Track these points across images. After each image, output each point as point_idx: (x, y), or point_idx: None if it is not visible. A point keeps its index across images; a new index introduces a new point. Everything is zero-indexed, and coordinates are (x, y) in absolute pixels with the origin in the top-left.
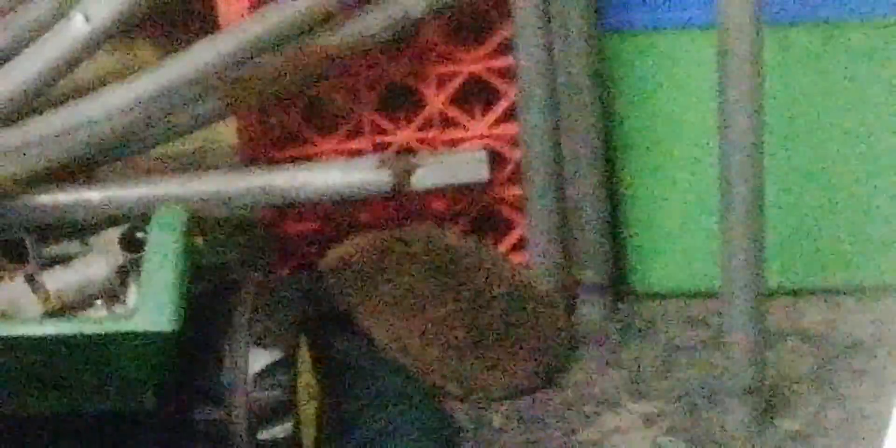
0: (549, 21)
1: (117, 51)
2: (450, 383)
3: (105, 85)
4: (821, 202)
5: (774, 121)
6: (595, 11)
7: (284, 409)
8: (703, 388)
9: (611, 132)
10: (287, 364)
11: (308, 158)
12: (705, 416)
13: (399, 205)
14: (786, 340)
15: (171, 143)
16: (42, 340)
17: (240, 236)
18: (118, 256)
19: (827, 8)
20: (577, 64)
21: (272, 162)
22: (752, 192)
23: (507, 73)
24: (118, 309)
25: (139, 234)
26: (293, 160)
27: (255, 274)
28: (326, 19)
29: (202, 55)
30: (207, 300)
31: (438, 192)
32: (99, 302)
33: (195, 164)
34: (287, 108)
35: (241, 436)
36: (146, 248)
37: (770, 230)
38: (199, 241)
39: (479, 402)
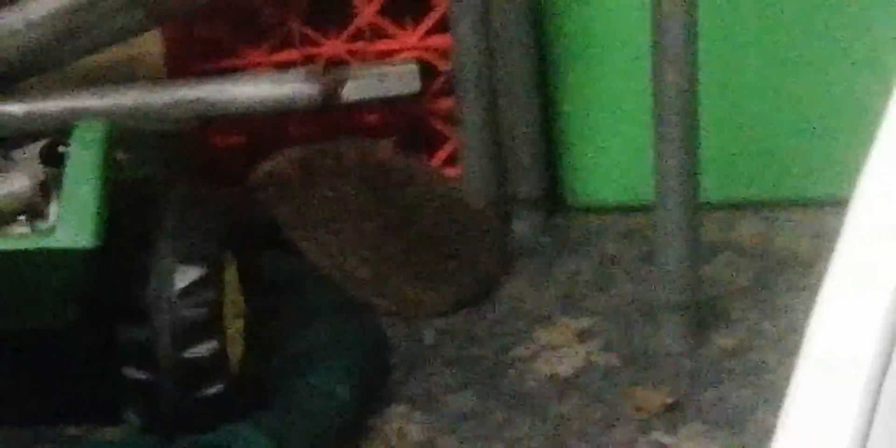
0: None
1: None
2: (381, 299)
3: None
4: (757, 114)
5: (709, 30)
6: None
7: (209, 326)
8: (638, 303)
9: (544, 44)
10: (212, 281)
11: (236, 70)
12: (640, 331)
13: (329, 117)
14: (721, 254)
15: (99, 54)
16: None
17: (165, 149)
18: (39, 171)
19: None
20: None
21: (200, 74)
22: (685, 103)
23: None
24: (41, 224)
25: (60, 149)
26: (221, 72)
27: (181, 188)
28: None
29: None
30: (131, 215)
31: (370, 105)
32: (21, 217)
33: (125, 74)
34: (214, 19)
35: (165, 353)
36: (66, 164)
37: (705, 143)
38: (122, 155)
39: (411, 318)
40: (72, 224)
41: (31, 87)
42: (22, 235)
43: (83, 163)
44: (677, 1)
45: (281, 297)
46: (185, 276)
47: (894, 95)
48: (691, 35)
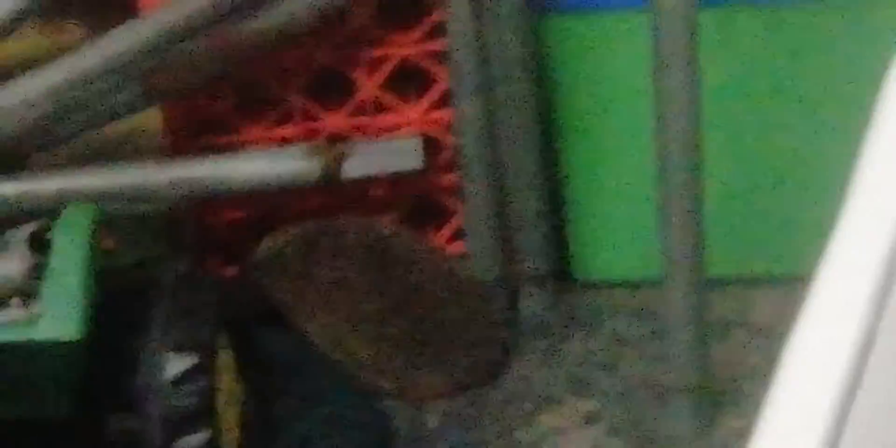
0: (481, 4)
1: (47, 33)
2: (384, 381)
3: (33, 68)
4: (770, 189)
5: (714, 107)
6: None
7: (201, 416)
8: (647, 384)
9: (548, 118)
10: (204, 369)
11: (236, 146)
12: (649, 414)
13: (332, 192)
14: (734, 332)
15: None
16: None
17: (161, 231)
18: (30, 255)
19: None
20: (511, 48)
21: (200, 149)
22: (690, 179)
23: (442, 57)
24: (34, 308)
25: (48, 235)
26: (221, 147)
27: (173, 273)
28: (252, 4)
29: (119, 43)
30: (121, 302)
31: (374, 180)
32: (14, 300)
33: (123, 149)
34: (214, 94)
35: (156, 444)
36: (51, 251)
37: (719, 217)
38: (111, 241)
39: (415, 401)
40: (56, 315)
41: (25, 167)
42: (5, 325)
43: (68, 250)
44: (679, 74)
45: (279, 380)
46: (177, 364)
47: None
48: (694, 108)
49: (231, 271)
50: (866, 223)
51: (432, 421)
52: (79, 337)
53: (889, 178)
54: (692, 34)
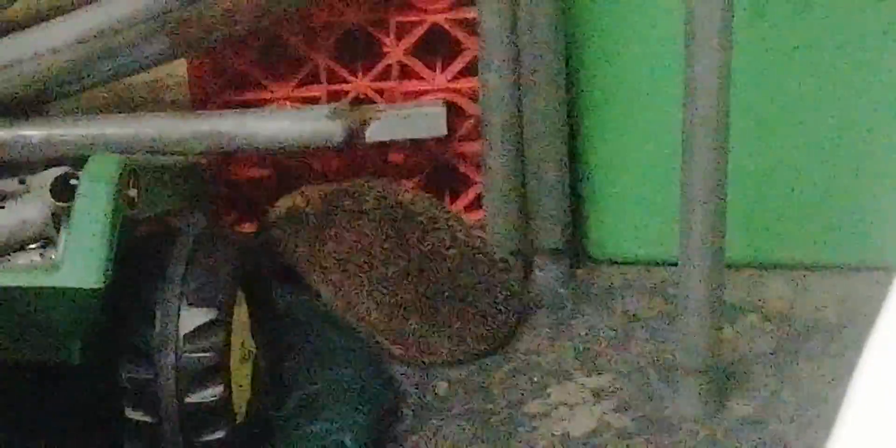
0: None
1: None
2: (395, 345)
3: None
4: (790, 176)
5: (742, 89)
6: None
7: (215, 371)
8: (656, 363)
9: (573, 93)
10: (220, 324)
11: (261, 103)
12: (657, 393)
13: (353, 155)
14: (745, 317)
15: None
16: None
17: (183, 184)
18: (52, 202)
19: None
20: (542, 20)
21: (224, 104)
22: (715, 160)
23: (472, 26)
24: (51, 253)
25: (73, 181)
26: (245, 104)
27: (194, 227)
28: None
29: None
30: (142, 253)
31: (395, 145)
32: (33, 246)
33: (148, 98)
34: (241, 51)
35: (168, 397)
36: (76, 199)
37: (737, 201)
38: (135, 191)
39: (425, 367)
40: (78, 263)
41: (51, 112)
42: (28, 269)
43: (93, 199)
44: (712, 59)
45: (294, 339)
46: (193, 318)
47: None
48: (724, 89)
49: (248, 228)
50: None
51: (441, 388)
52: (99, 285)
53: None
54: (726, 15)
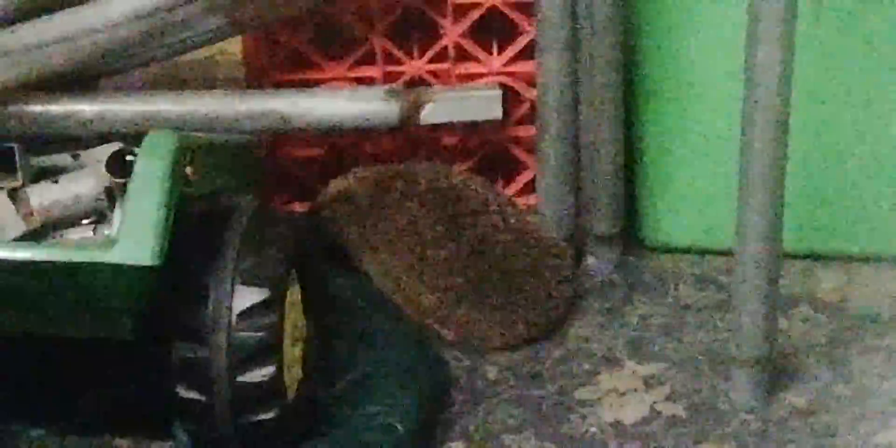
0: None
1: None
2: (445, 329)
3: None
4: (847, 165)
5: (804, 79)
6: None
7: (268, 351)
8: (709, 353)
9: (631, 78)
10: (274, 304)
11: (315, 83)
12: (708, 383)
13: (407, 137)
14: (798, 308)
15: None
16: (15, 264)
17: (237, 162)
18: (106, 177)
19: None
20: (600, 5)
21: (278, 83)
22: (775, 149)
23: (529, 9)
24: (104, 230)
25: (129, 157)
26: (300, 83)
27: (249, 205)
28: None
29: None
30: (196, 232)
31: (449, 128)
32: (85, 221)
33: (202, 75)
34: (296, 30)
35: (220, 376)
36: (133, 176)
37: (791, 192)
38: (191, 168)
39: (475, 351)
40: (133, 239)
41: (105, 88)
42: (83, 245)
43: (150, 175)
44: (774, 47)
45: (343, 321)
46: (247, 298)
47: None
48: (785, 84)
49: (299, 208)
50: None
51: (491, 372)
52: (155, 263)
53: None
54: (789, 6)
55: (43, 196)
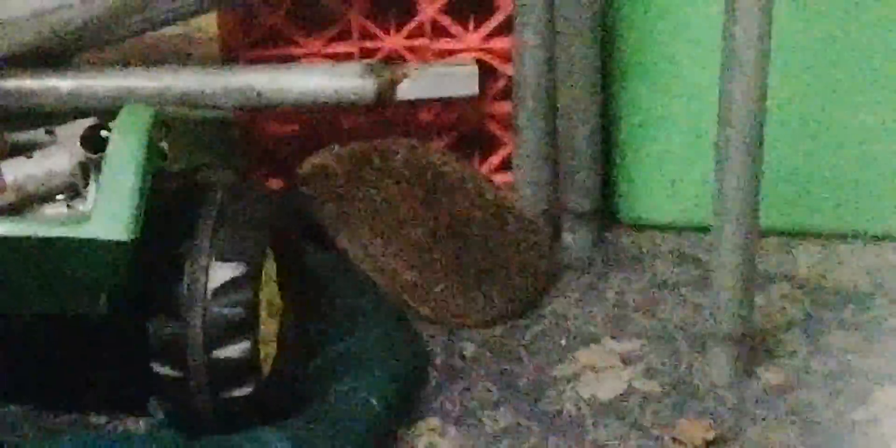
0: None
1: None
2: (423, 306)
3: None
4: (825, 143)
5: (780, 57)
6: None
7: (243, 327)
8: (686, 329)
9: (607, 55)
10: (249, 280)
11: (291, 58)
12: (685, 360)
13: (383, 113)
14: (775, 284)
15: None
16: None
17: (213, 138)
18: (81, 152)
19: None
20: None
21: (254, 59)
22: (752, 126)
23: None
24: (79, 205)
25: (103, 133)
26: (276, 59)
27: (225, 181)
28: None
29: None
30: (172, 207)
31: (426, 104)
32: (60, 197)
33: (177, 52)
34: (272, 5)
35: (195, 351)
36: (107, 151)
37: (769, 169)
38: (166, 144)
39: (452, 328)
40: (108, 215)
41: (80, 63)
42: (57, 220)
43: (125, 150)
44: (751, 27)
45: (319, 297)
46: (222, 273)
47: None
48: (763, 59)
49: (275, 184)
50: None
51: (468, 349)
52: (129, 238)
53: None
54: None
55: (17, 171)
